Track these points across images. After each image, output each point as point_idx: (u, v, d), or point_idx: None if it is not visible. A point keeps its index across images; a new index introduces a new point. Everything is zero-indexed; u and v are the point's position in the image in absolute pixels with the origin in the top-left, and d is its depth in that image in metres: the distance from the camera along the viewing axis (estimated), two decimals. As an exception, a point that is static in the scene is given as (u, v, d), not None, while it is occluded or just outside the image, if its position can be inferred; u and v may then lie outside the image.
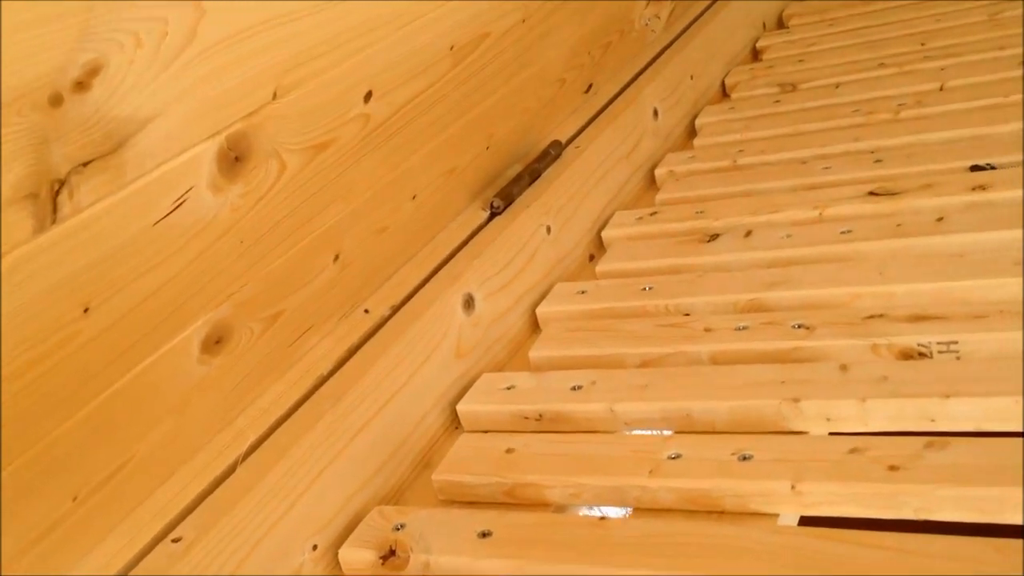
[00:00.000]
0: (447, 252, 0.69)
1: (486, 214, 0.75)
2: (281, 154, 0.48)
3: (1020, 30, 0.95)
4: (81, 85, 0.35)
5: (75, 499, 0.44)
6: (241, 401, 0.52)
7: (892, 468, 0.47)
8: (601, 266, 0.77)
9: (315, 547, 0.52)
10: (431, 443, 0.61)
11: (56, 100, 0.34)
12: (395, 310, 0.64)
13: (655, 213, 0.82)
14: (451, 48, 0.61)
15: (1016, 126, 0.77)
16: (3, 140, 0.33)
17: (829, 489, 0.48)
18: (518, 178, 0.77)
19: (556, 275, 0.77)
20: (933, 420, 0.50)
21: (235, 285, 0.48)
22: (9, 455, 0.40)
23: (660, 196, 0.86)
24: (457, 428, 0.63)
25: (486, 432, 0.61)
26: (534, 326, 0.73)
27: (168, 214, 0.42)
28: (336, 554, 0.52)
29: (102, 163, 0.38)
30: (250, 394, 0.53)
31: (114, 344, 0.42)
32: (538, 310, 0.73)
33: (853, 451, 0.49)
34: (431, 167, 0.66)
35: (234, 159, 0.45)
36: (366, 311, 0.63)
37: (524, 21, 0.68)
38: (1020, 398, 0.48)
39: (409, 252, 0.67)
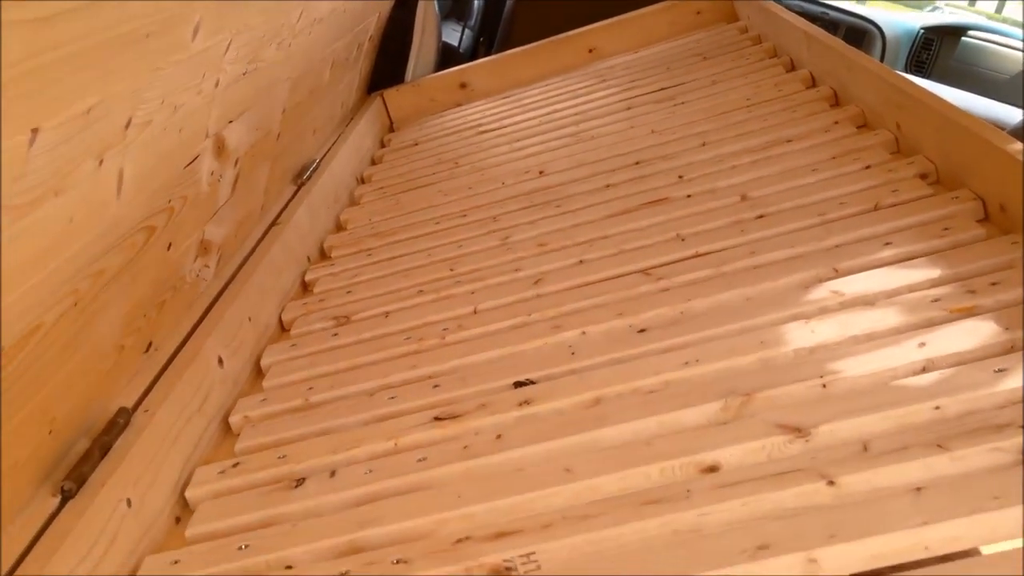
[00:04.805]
0: (19, 552, 0.64)
1: (57, 500, 0.70)
2: None
3: (529, 251, 1.11)
4: None
5: None
6: None
7: None
8: (191, 530, 0.75)
9: None
10: None
11: None
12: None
13: (237, 464, 0.82)
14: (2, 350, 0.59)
15: (541, 343, 0.90)
16: None
17: None
18: (87, 455, 0.74)
19: (144, 548, 0.74)
20: (529, 633, 0.56)
21: None
22: None
23: (239, 444, 0.87)
24: None
25: None
26: (128, 609, 0.69)
27: None
28: None
29: None
30: None
31: None
32: (130, 591, 0.69)
33: None
34: (-7, 467, 0.61)
35: None
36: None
37: (76, 304, 0.67)
38: (594, 597, 0.56)
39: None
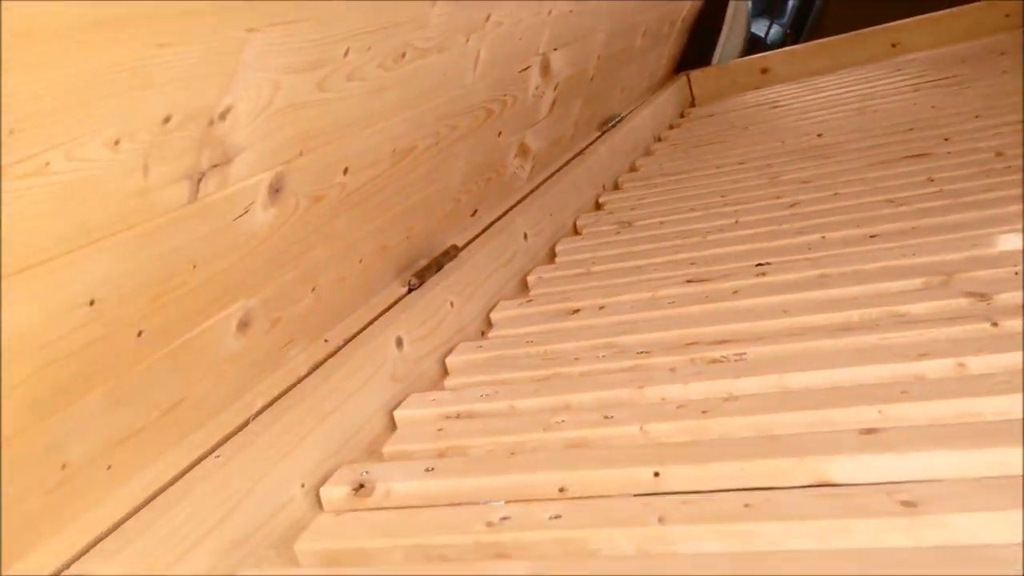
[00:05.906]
0: (381, 308, 0.92)
1: (405, 289, 0.97)
2: (298, 196, 0.71)
3: (792, 187, 1.28)
4: (222, 117, 0.57)
5: (143, 423, 0.62)
6: (253, 379, 0.72)
7: (704, 412, 0.71)
8: (493, 332, 1.00)
9: (303, 485, 0.71)
10: (376, 437, 0.81)
11: (209, 123, 0.56)
12: (347, 341, 0.85)
13: (530, 300, 1.07)
14: (393, 151, 0.85)
15: (785, 242, 1.07)
16: (181, 144, 0.55)
17: (669, 429, 0.71)
18: (427, 266, 1.01)
19: (457, 339, 0.99)
20: (730, 392, 0.75)
21: (262, 284, 0.69)
22: (98, 379, 0.58)
23: (533, 292, 1.11)
24: (394, 431, 0.83)
25: (419, 427, 0.82)
26: (445, 371, 0.95)
27: (239, 217, 0.63)
28: (319, 492, 0.71)
29: (219, 170, 0.59)
30: (259, 374, 0.73)
31: (200, 298, 0.62)
32: (448, 360, 0.95)
33: (680, 407, 0.73)
34: (374, 241, 0.89)
35: (275, 190, 0.67)
36: (326, 340, 0.84)
37: (436, 144, 0.94)
38: (780, 376, 0.74)
39: (356, 304, 0.89)
